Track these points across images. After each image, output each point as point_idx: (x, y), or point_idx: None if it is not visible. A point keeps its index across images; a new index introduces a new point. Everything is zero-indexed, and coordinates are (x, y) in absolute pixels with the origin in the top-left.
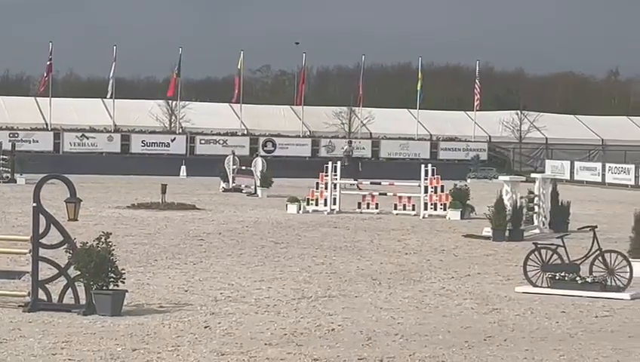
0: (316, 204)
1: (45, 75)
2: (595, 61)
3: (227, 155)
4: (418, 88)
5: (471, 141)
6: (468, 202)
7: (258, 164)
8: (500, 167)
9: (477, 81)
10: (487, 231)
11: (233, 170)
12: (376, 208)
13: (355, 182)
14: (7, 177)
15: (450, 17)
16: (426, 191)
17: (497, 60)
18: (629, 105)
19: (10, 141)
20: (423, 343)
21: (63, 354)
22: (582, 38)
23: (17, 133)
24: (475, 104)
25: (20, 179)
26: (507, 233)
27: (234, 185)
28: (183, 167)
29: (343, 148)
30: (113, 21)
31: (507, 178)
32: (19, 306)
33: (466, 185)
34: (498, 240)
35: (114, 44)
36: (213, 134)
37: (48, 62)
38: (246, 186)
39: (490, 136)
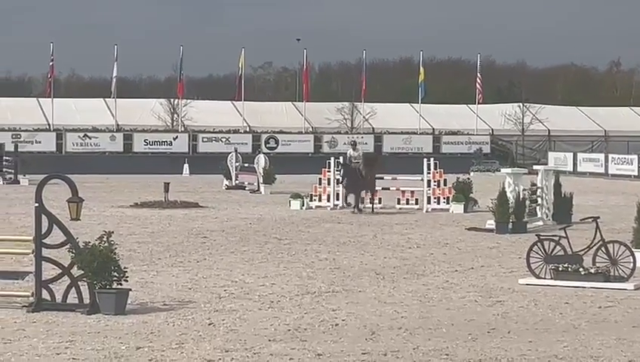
0: (319, 200)
1: (49, 76)
2: (596, 52)
3: (230, 153)
4: (419, 82)
5: (473, 134)
6: (471, 195)
7: (261, 161)
8: (502, 160)
9: (479, 74)
10: (491, 223)
11: (236, 167)
12: (380, 203)
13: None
14: (11, 178)
15: (451, 11)
16: (429, 185)
17: (499, 53)
18: (632, 95)
19: (12, 142)
20: (426, 336)
21: (67, 353)
22: (583, 29)
23: (20, 135)
24: (478, 97)
25: (23, 180)
26: (510, 225)
27: (237, 182)
28: (186, 165)
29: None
30: (114, 21)
31: (510, 170)
32: (23, 306)
33: (468, 179)
34: (501, 233)
35: (115, 43)
36: (215, 132)
37: (50, 63)
38: (249, 183)
39: (492, 129)
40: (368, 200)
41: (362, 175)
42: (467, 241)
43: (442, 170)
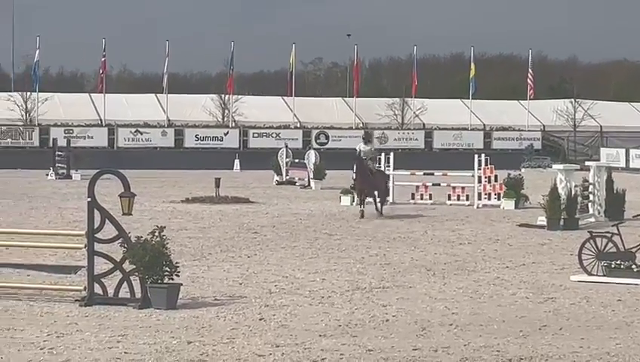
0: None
1: (101, 72)
2: None
3: (280, 148)
4: (470, 78)
5: (525, 130)
6: (522, 191)
7: (311, 157)
8: (554, 156)
9: (530, 69)
10: (542, 220)
11: (286, 162)
12: (430, 199)
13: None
14: (63, 173)
15: (503, 6)
16: (479, 181)
17: (550, 49)
18: None
19: (65, 137)
20: (477, 333)
21: (119, 347)
22: (636, 24)
23: (72, 130)
24: (529, 93)
25: (75, 175)
26: (562, 222)
27: (287, 177)
28: (237, 161)
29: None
30: (165, 17)
31: (561, 167)
32: (75, 301)
33: (520, 175)
34: (553, 230)
35: (166, 39)
36: (266, 128)
37: (102, 59)
38: (299, 179)
39: (544, 125)
40: (378, 201)
41: (372, 172)
42: (518, 238)
43: (493, 166)
